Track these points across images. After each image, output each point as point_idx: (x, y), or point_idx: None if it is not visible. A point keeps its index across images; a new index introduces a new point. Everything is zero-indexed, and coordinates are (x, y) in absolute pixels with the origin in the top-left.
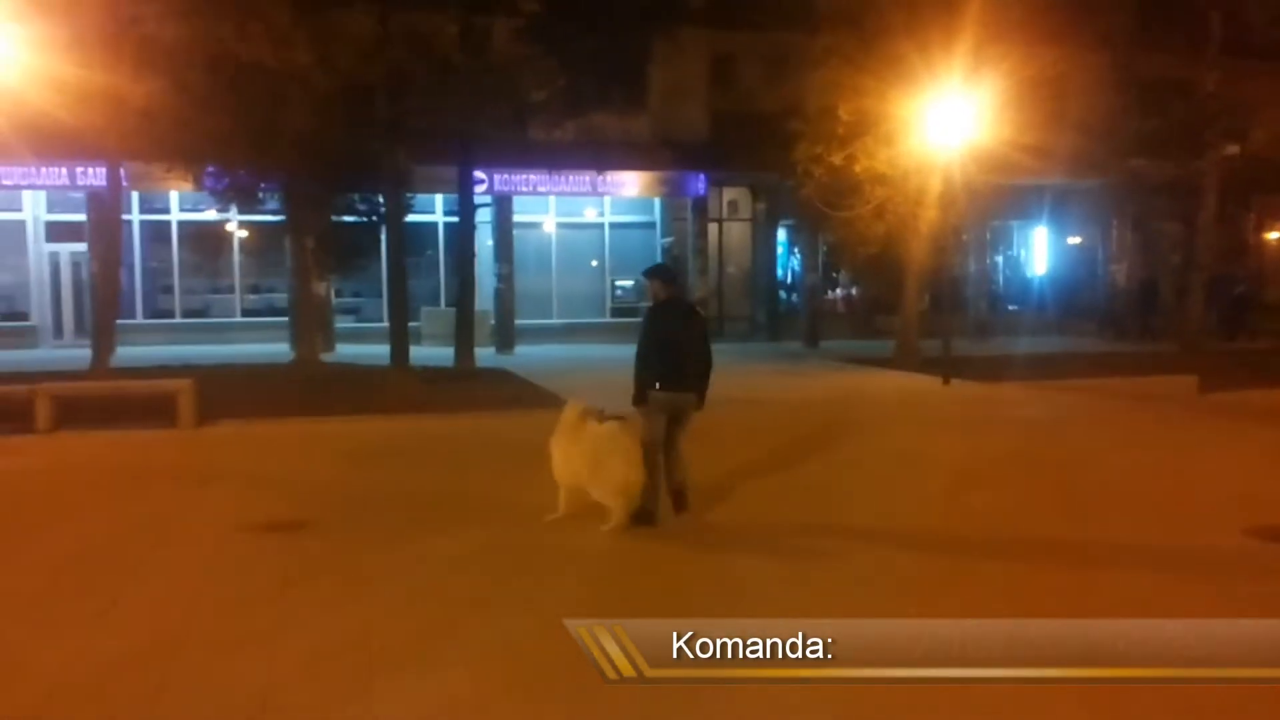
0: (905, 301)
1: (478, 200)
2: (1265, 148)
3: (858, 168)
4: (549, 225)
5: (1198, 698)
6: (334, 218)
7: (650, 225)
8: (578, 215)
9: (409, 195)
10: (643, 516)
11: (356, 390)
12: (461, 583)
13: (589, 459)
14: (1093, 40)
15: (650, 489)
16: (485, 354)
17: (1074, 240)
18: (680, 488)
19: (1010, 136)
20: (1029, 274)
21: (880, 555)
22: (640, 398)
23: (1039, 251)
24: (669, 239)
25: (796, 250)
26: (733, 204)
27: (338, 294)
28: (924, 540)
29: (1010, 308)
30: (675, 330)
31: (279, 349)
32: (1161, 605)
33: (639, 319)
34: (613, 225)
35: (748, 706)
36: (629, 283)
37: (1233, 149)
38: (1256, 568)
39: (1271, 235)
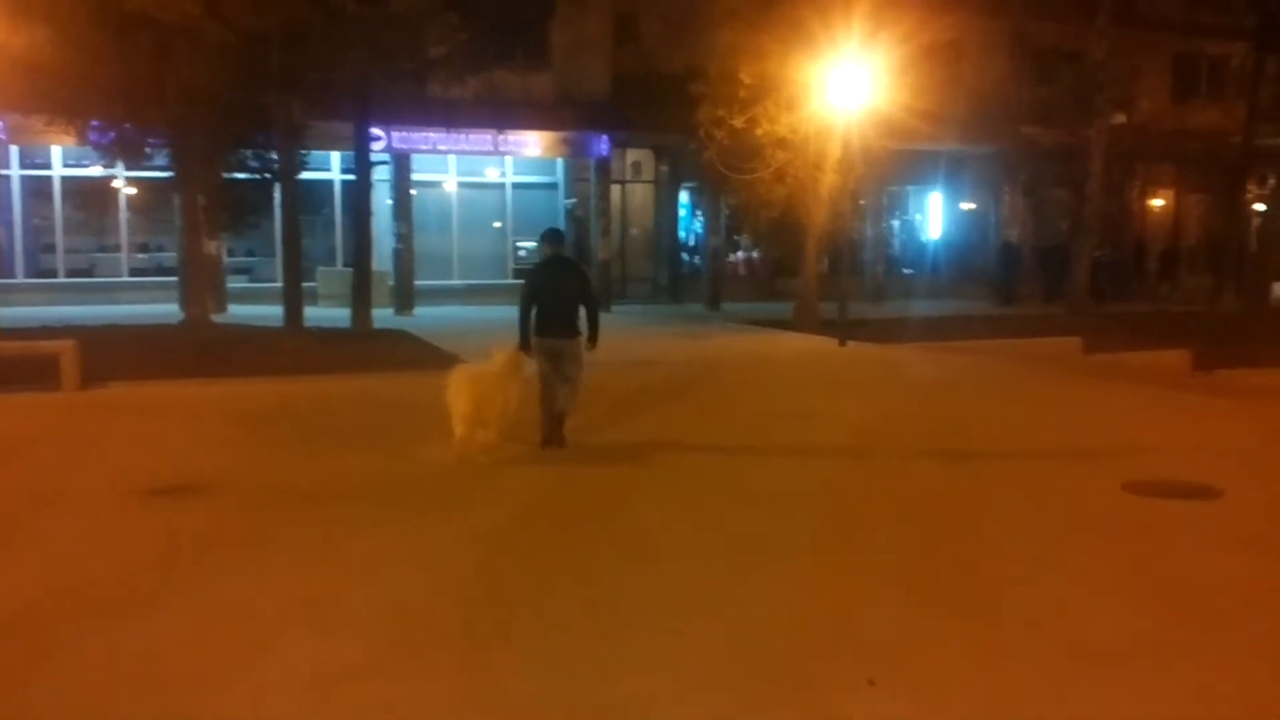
0: (805, 264)
1: (375, 158)
2: (1150, 118)
3: (759, 131)
4: (449, 185)
5: None
6: (225, 174)
7: (553, 186)
8: (479, 175)
9: (304, 151)
10: (549, 440)
11: (249, 352)
12: (355, 546)
13: None
14: (987, 7)
15: (543, 418)
16: (383, 315)
17: (968, 205)
18: (555, 421)
19: (906, 102)
20: (924, 238)
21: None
22: (524, 344)
23: (934, 216)
24: (572, 200)
25: (699, 212)
26: (636, 165)
27: (230, 253)
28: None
29: (906, 271)
30: (546, 284)
31: (168, 309)
32: (1042, 556)
33: None
34: (515, 185)
35: None
36: (531, 244)
37: (1120, 118)
38: (1134, 521)
39: (1154, 202)
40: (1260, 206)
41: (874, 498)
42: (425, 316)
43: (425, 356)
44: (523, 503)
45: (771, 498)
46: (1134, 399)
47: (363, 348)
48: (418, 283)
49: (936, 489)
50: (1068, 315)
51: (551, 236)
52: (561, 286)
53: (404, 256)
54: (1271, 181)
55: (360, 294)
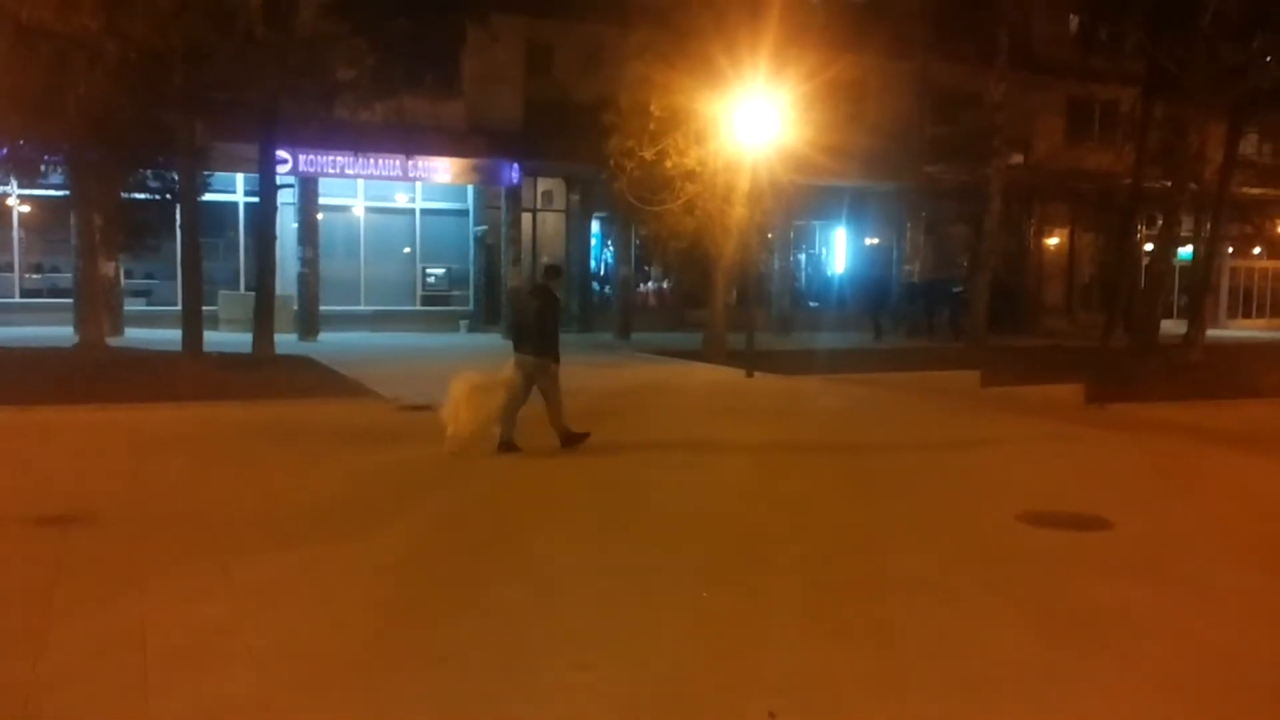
0: (713, 296)
1: (280, 180)
2: (1045, 158)
3: (669, 164)
4: (358, 209)
5: None
6: (124, 194)
7: (463, 213)
8: (388, 200)
9: (206, 172)
10: (504, 447)
11: (145, 376)
12: (251, 576)
13: None
14: (891, 49)
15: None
16: (287, 341)
17: (872, 241)
18: (506, 438)
19: (813, 138)
20: (830, 272)
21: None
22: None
23: (839, 250)
24: (482, 227)
25: (610, 242)
26: (547, 194)
27: (128, 275)
28: (716, 519)
29: (812, 304)
30: (518, 309)
31: (62, 332)
32: (940, 586)
33: (451, 308)
34: (424, 211)
35: None
36: (441, 270)
37: (1017, 158)
38: (1027, 551)
39: (1050, 240)
40: (1149, 246)
41: (776, 526)
42: (330, 342)
43: (327, 383)
44: (423, 530)
45: (677, 525)
46: (1029, 432)
47: (263, 374)
48: (323, 308)
49: (837, 518)
50: (967, 349)
51: (546, 270)
52: (527, 310)
53: (309, 281)
54: (1160, 222)
55: (262, 319)
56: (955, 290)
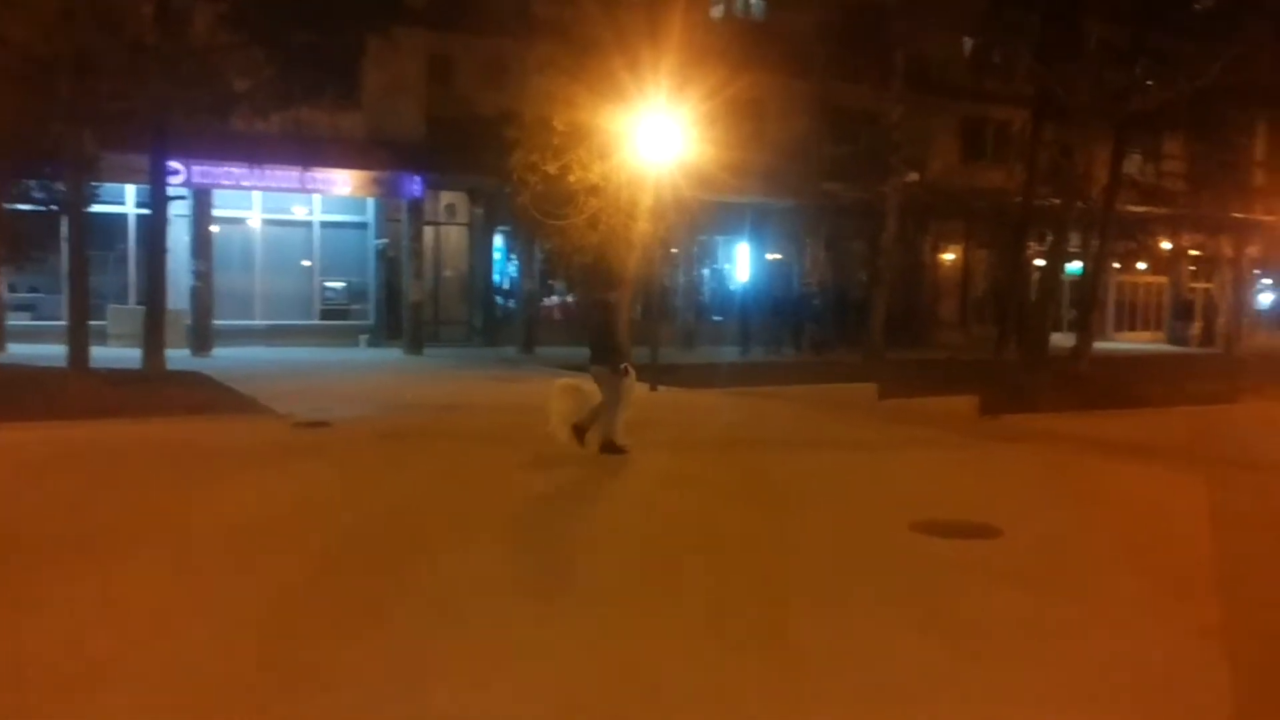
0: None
1: (172, 192)
2: (940, 177)
3: (572, 178)
4: (254, 221)
5: None
6: (6, 205)
7: (363, 226)
8: (286, 212)
9: (95, 183)
10: (604, 448)
11: (29, 394)
12: (140, 599)
13: None
14: (790, 68)
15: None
16: (179, 356)
17: (773, 256)
18: (582, 426)
19: (714, 155)
20: (732, 286)
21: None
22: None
23: (741, 265)
24: (383, 240)
25: (514, 256)
26: (450, 207)
27: (11, 289)
28: (615, 533)
29: (715, 318)
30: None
31: None
32: (837, 596)
33: (350, 322)
34: (323, 224)
35: None
36: (340, 284)
37: (912, 176)
38: (921, 560)
39: (946, 256)
40: (1040, 262)
41: (677, 540)
42: (224, 358)
43: (220, 400)
44: (319, 550)
45: (578, 541)
46: (924, 443)
47: (154, 390)
48: (217, 322)
49: (737, 531)
50: (865, 362)
51: (605, 282)
52: (590, 322)
53: (202, 295)
54: (1049, 239)
55: (153, 333)
56: (814, 304)
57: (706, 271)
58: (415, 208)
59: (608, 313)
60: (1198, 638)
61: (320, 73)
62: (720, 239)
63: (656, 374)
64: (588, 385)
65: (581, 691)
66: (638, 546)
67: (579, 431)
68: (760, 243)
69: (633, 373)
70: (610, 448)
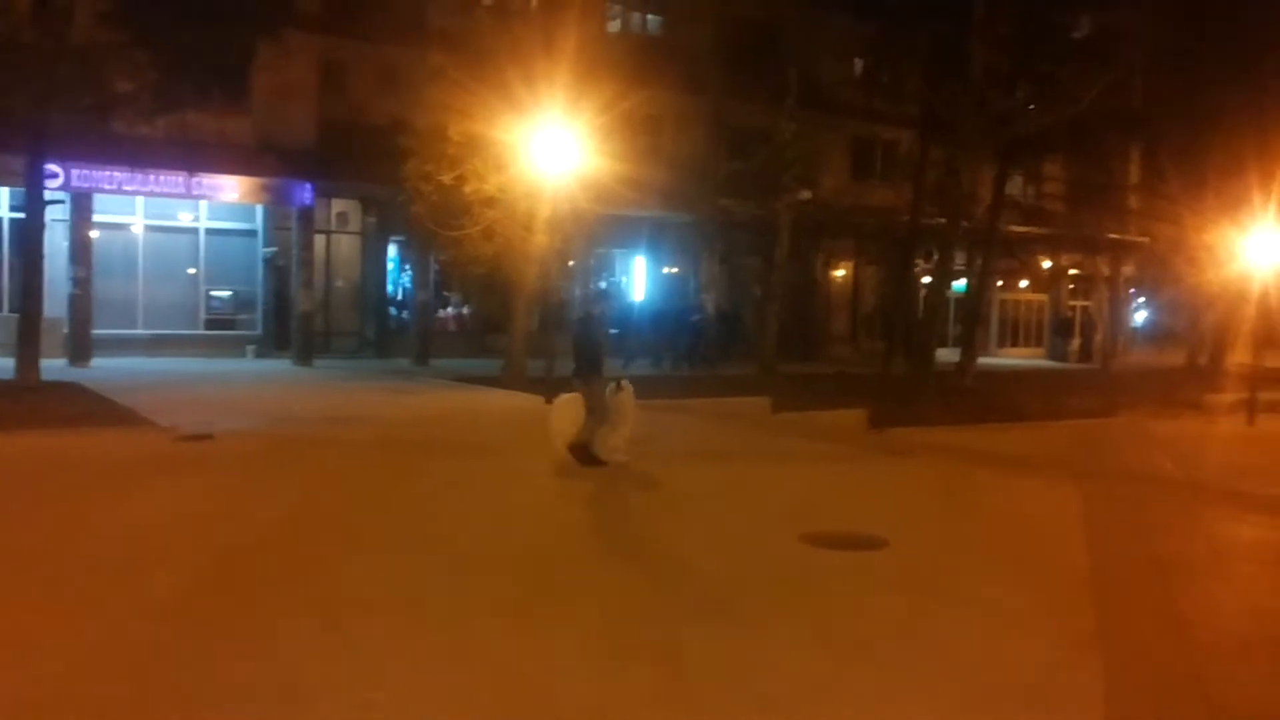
0: (514, 322)
1: (50, 195)
2: (832, 194)
3: (467, 189)
4: (137, 227)
5: None
6: None
7: (252, 233)
8: (170, 218)
9: None
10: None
11: None
12: (5, 626)
13: None
14: (686, 84)
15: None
16: (55, 366)
17: (670, 270)
18: (581, 443)
19: (612, 169)
20: (630, 300)
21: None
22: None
23: (639, 279)
24: (272, 249)
25: (408, 266)
26: (342, 216)
27: None
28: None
29: (612, 331)
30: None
31: None
32: (725, 608)
33: (237, 332)
34: (210, 231)
35: None
36: (227, 293)
37: (805, 194)
38: (810, 571)
39: (836, 273)
40: (927, 279)
41: (568, 553)
42: (104, 368)
43: (99, 411)
44: (202, 566)
45: (468, 556)
46: (815, 455)
47: (28, 402)
48: (97, 332)
49: (629, 543)
50: (759, 376)
51: (593, 298)
52: (575, 336)
53: (81, 302)
54: (935, 256)
55: (27, 342)
56: (694, 319)
57: (604, 285)
58: (305, 216)
59: (588, 326)
60: (1073, 644)
61: (208, 76)
62: (618, 252)
63: (552, 387)
64: (577, 398)
65: (470, 707)
66: (528, 559)
67: (576, 450)
68: (657, 257)
69: (628, 388)
70: (587, 458)
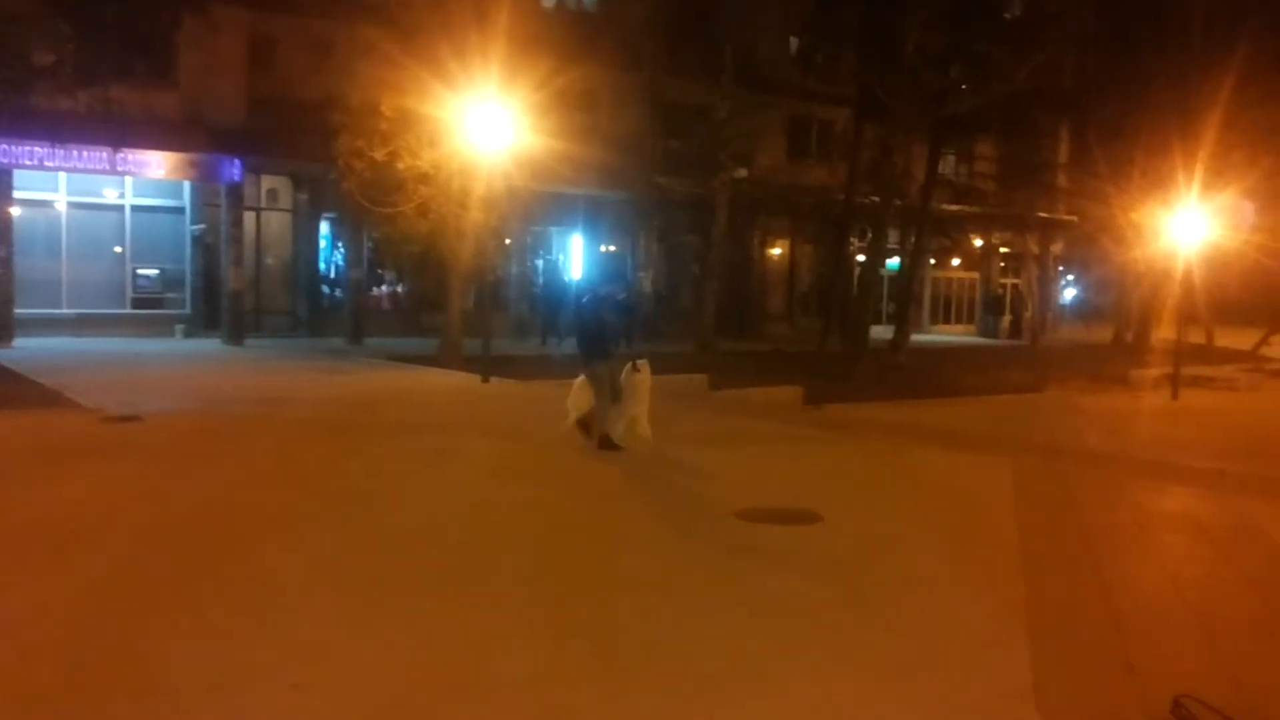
0: (449, 300)
1: None
2: (768, 173)
3: (401, 165)
4: (59, 204)
5: None
6: None
7: (179, 210)
8: (95, 195)
9: None
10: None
11: None
12: None
13: None
14: (622, 61)
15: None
16: None
17: (608, 248)
18: (588, 421)
19: (547, 145)
20: (567, 278)
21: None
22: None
23: (576, 257)
24: (200, 226)
25: (341, 244)
26: (272, 192)
27: None
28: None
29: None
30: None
31: None
32: (657, 583)
33: (165, 311)
34: (136, 208)
35: None
36: (154, 271)
37: (741, 172)
38: (745, 546)
39: (773, 251)
40: (862, 257)
41: (505, 532)
42: (27, 349)
43: (22, 393)
44: (129, 549)
45: (404, 535)
46: (752, 432)
47: None
48: (19, 311)
49: (568, 520)
50: (697, 353)
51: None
52: (584, 316)
53: (2, 281)
54: (870, 235)
55: None
56: (620, 298)
57: (540, 262)
58: (235, 192)
59: (590, 306)
60: (1004, 614)
61: (132, 49)
62: (554, 229)
63: (488, 366)
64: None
65: (402, 688)
66: (463, 538)
67: (584, 426)
68: (594, 235)
69: (645, 368)
70: (606, 443)
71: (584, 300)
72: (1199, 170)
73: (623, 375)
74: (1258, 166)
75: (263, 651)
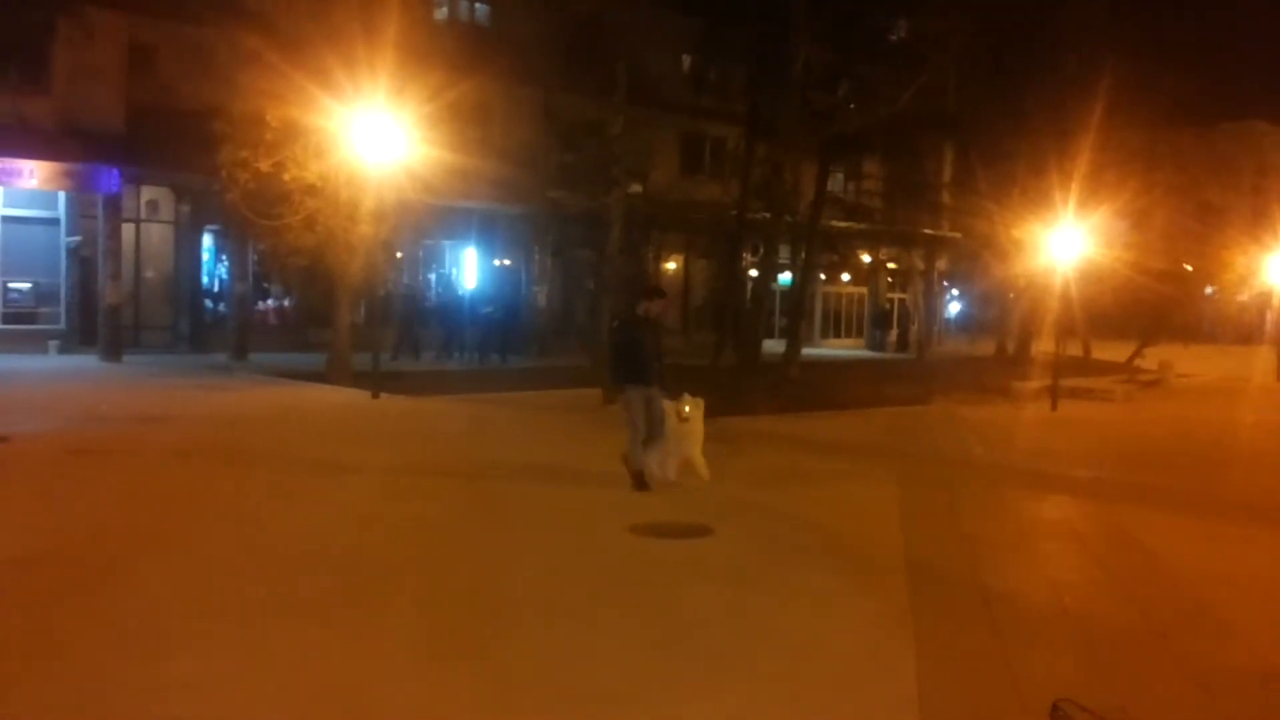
0: (337, 315)
1: None
2: (662, 189)
3: (287, 176)
4: None
5: None
6: None
7: (53, 221)
8: None
9: None
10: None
11: None
12: None
13: None
14: (515, 75)
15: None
16: None
17: (502, 262)
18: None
19: (440, 159)
20: (460, 292)
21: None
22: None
23: (470, 271)
24: (76, 238)
25: (224, 257)
26: (152, 204)
27: None
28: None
29: (441, 324)
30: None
31: None
32: (554, 602)
33: (38, 326)
34: (7, 219)
35: None
36: (26, 285)
37: (636, 187)
38: (638, 562)
39: (668, 266)
40: (754, 272)
41: (392, 553)
42: None
43: None
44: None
45: (289, 558)
46: None
47: None
48: None
49: (455, 541)
50: (592, 367)
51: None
52: (616, 337)
53: None
54: (761, 251)
55: None
56: (485, 310)
57: (433, 277)
58: (112, 203)
59: (619, 328)
60: (888, 624)
61: (3, 54)
62: (447, 243)
63: (378, 382)
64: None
65: (283, 713)
66: (348, 561)
67: (637, 479)
68: (489, 249)
69: (696, 405)
70: (639, 481)
71: (616, 320)
72: (1074, 190)
73: (661, 408)
74: (1127, 187)
75: (136, 681)
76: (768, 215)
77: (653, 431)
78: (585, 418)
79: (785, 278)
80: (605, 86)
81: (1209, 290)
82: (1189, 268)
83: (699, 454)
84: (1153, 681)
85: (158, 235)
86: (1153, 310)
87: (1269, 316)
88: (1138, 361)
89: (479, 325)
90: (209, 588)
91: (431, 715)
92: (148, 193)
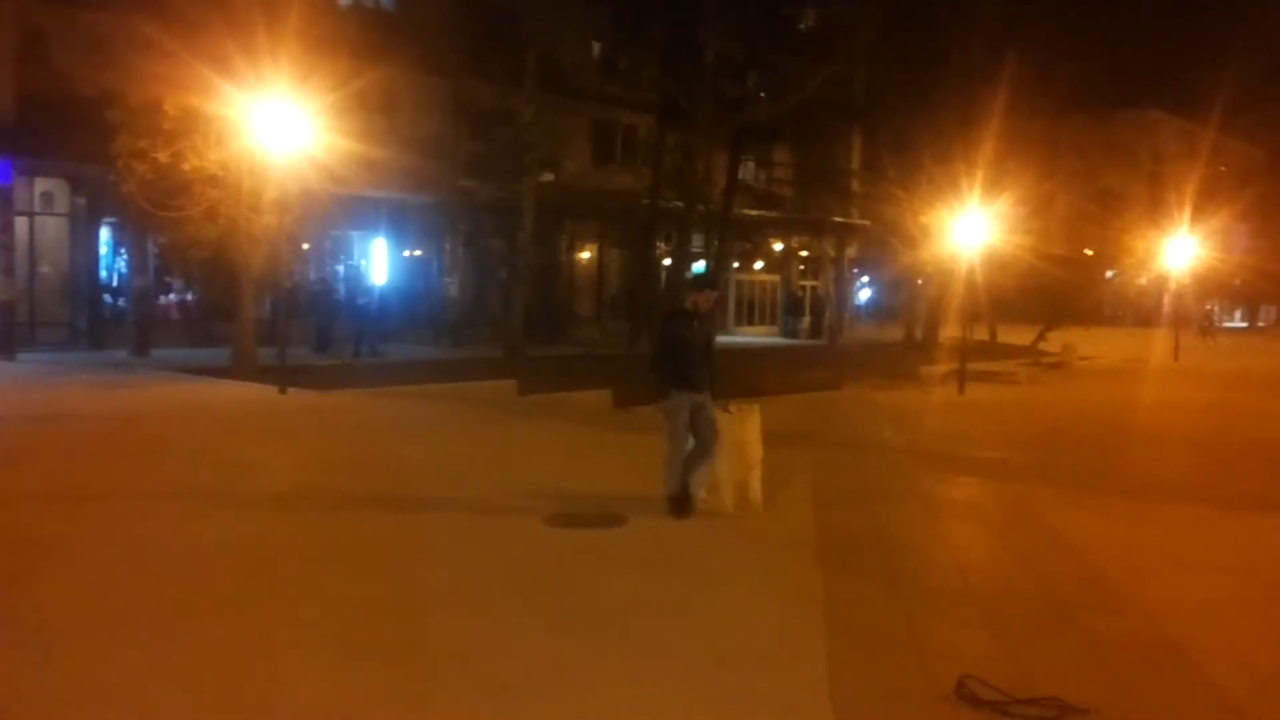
0: (242, 309)
1: None
2: (575, 178)
3: (186, 166)
4: None
5: None
6: None
7: None
8: None
9: None
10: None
11: None
12: None
13: None
14: (423, 63)
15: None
16: None
17: (413, 253)
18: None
19: (345, 148)
20: (370, 284)
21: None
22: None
23: (379, 262)
24: None
25: (123, 250)
26: (46, 196)
27: None
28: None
29: (351, 316)
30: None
31: None
32: (470, 596)
33: None
34: None
35: None
36: None
37: (547, 176)
38: (550, 551)
39: (581, 255)
40: (668, 261)
41: (303, 549)
42: None
43: None
44: None
45: (189, 558)
46: (561, 436)
47: None
48: None
49: (369, 536)
50: (506, 358)
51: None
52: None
53: None
54: (675, 239)
55: None
56: (361, 302)
57: (341, 268)
58: (3, 196)
59: (665, 324)
60: (801, 606)
61: None
62: (356, 234)
63: (286, 376)
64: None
65: (188, 713)
66: (257, 557)
67: (675, 502)
68: (399, 239)
69: (752, 416)
70: (678, 504)
71: (663, 316)
72: (979, 177)
73: (713, 420)
74: (1029, 174)
75: (35, 689)
76: (680, 204)
77: (702, 448)
78: (499, 410)
79: (699, 266)
80: (515, 75)
81: (1110, 274)
82: (1090, 252)
83: (757, 478)
84: (1054, 654)
85: (53, 228)
86: (1055, 294)
87: (1166, 299)
88: (1041, 345)
89: (355, 316)
90: (103, 589)
91: (343, 711)
92: (41, 184)
